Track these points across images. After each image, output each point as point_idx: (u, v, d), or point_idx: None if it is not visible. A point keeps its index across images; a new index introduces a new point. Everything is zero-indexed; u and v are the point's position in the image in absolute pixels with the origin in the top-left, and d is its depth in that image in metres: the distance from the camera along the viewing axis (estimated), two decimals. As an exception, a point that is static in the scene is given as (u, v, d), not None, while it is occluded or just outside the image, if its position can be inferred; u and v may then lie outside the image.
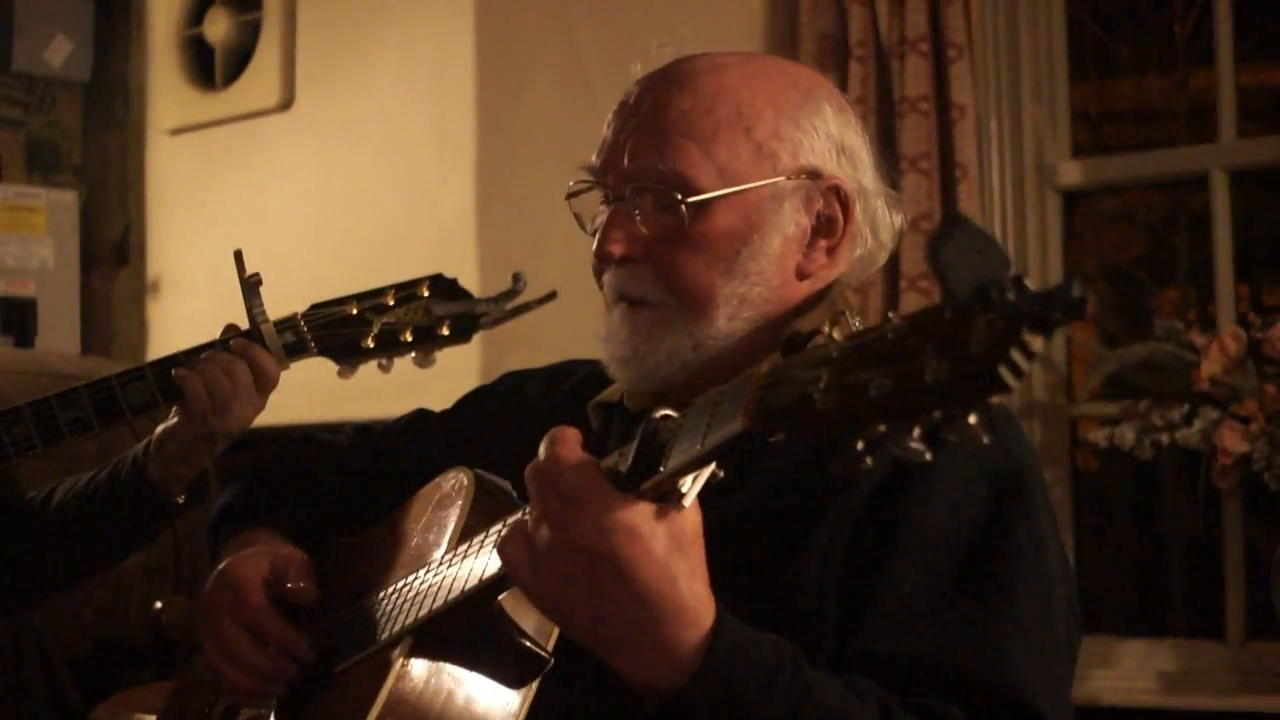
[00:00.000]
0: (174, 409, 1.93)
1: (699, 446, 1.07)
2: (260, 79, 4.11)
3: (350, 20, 3.99)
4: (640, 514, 1.13)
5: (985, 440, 0.90)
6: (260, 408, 1.93)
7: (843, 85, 3.26)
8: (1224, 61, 3.33)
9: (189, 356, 1.92)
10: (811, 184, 1.51)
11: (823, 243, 1.53)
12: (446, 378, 2.03)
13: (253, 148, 4.15)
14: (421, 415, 1.85)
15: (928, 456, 0.92)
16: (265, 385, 1.92)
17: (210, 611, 1.59)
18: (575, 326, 1.63)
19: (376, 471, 1.79)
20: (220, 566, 1.64)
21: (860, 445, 0.94)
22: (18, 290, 4.11)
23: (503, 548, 1.20)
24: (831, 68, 3.33)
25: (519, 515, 1.24)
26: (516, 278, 1.94)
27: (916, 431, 0.92)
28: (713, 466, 1.11)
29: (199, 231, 4.25)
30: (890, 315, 0.96)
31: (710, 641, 1.17)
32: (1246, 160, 3.32)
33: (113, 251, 4.44)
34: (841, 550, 1.37)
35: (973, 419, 0.90)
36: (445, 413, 1.83)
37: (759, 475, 1.43)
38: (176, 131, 4.31)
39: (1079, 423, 3.46)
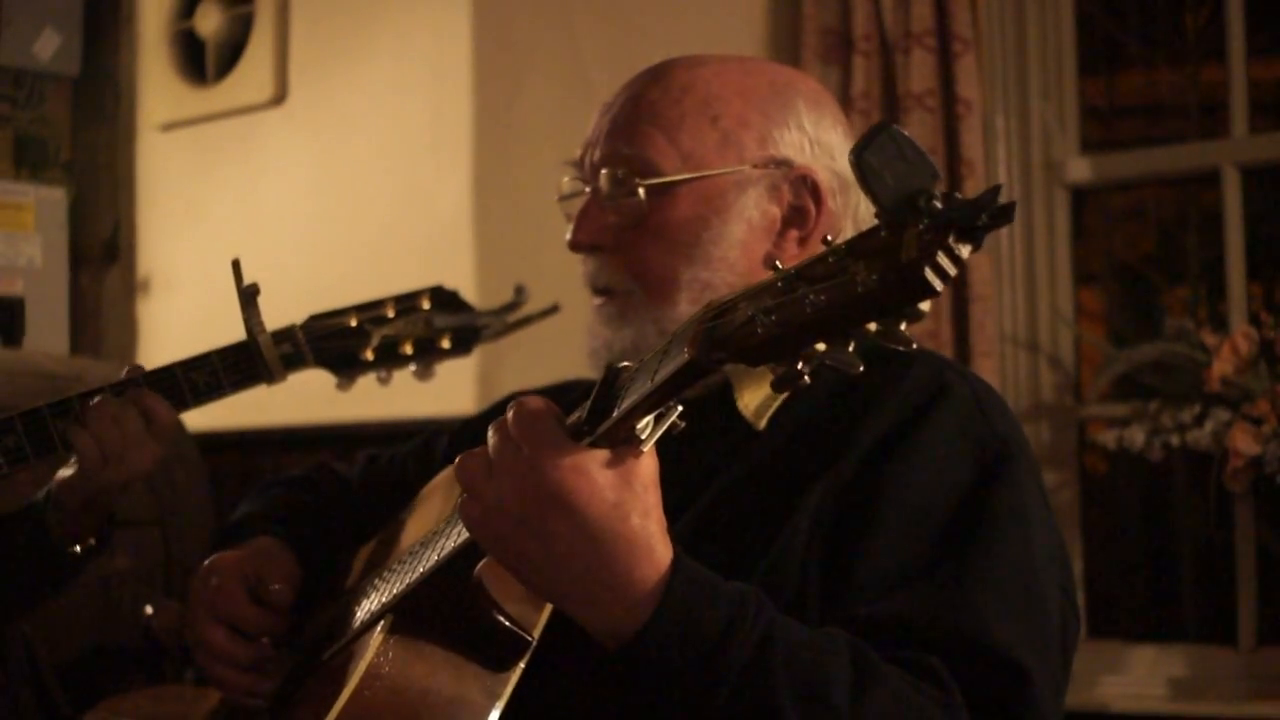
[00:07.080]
0: (71, 460, 1.81)
1: (649, 384, 1.10)
2: (253, 73, 4.05)
3: (345, 13, 3.94)
4: (589, 455, 1.16)
5: (915, 346, 0.97)
6: (157, 454, 1.79)
7: (846, 80, 3.26)
8: (1236, 55, 3.29)
9: (82, 401, 1.79)
10: (779, 173, 1.53)
11: (794, 233, 1.55)
12: (442, 385, 2.03)
13: (245, 144, 4.10)
14: (427, 441, 1.87)
15: (861, 368, 0.97)
16: (159, 432, 1.78)
17: (191, 611, 1.63)
18: (574, 335, 1.65)
19: (386, 498, 1.80)
20: (202, 565, 1.66)
21: (800, 365, 0.98)
22: (5, 289, 4.05)
23: (462, 507, 1.22)
24: (835, 62, 3.30)
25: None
26: (519, 290, 1.94)
27: (852, 346, 0.97)
28: (674, 415, 1.14)
29: (190, 229, 4.20)
30: (829, 238, 1.01)
31: (668, 579, 1.18)
32: (1258, 156, 3.29)
33: (102, 249, 4.39)
34: (828, 523, 1.39)
35: (904, 327, 0.94)
36: (451, 436, 1.85)
37: (752, 450, 1.47)
38: (167, 127, 4.26)
39: (1087, 424, 3.42)
